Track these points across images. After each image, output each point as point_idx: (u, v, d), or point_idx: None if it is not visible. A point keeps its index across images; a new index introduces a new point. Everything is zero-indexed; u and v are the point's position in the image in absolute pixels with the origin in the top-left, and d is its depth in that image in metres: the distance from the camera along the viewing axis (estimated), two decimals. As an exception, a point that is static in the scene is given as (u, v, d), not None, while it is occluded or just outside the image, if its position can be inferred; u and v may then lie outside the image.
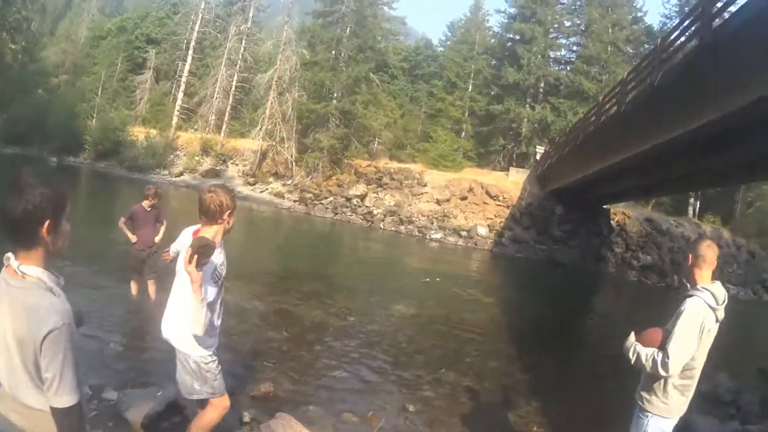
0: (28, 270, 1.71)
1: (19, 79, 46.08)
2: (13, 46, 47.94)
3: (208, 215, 3.16)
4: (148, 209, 7.42)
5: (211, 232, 3.16)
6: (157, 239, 7.52)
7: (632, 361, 3.22)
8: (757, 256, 36.43)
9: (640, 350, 3.18)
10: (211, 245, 2.97)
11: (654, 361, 3.09)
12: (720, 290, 3.19)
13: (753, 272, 35.05)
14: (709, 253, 3.27)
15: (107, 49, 54.54)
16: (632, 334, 3.32)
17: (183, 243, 3.31)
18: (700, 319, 3.09)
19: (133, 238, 7.41)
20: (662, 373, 3.06)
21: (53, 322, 1.64)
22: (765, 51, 8.02)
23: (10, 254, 1.74)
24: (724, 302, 3.16)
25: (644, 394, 3.29)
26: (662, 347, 3.11)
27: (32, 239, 1.70)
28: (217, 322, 3.26)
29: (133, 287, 7.66)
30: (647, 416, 3.25)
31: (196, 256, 2.84)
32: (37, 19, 52.52)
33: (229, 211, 3.19)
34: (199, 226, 3.28)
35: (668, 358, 3.03)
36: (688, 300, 3.15)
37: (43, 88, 47.78)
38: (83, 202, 20.80)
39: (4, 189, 1.68)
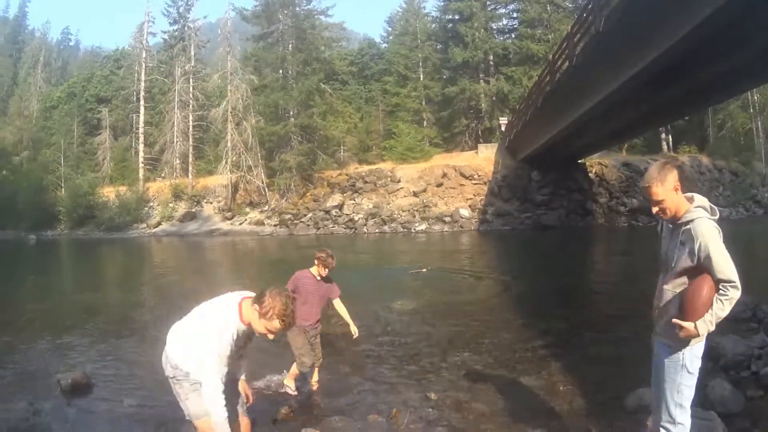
0: None
1: (-23, 161, 45.70)
2: (-34, 129, 47.74)
3: None
4: (318, 278, 5.77)
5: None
6: None
7: (713, 327, 2.84)
8: (740, 174, 36.99)
9: (712, 313, 2.80)
10: None
11: (728, 299, 2.79)
12: (707, 200, 3.00)
13: (740, 191, 35.62)
14: (680, 172, 3.05)
15: (61, 117, 54.40)
16: (676, 321, 2.86)
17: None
18: (718, 231, 2.86)
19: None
20: (737, 297, 2.78)
21: None
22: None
23: None
24: (717, 214, 2.96)
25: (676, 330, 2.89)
26: (716, 282, 2.80)
27: None
28: None
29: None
30: (681, 350, 2.97)
31: None
32: (-13, 101, 52.44)
33: None
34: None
35: (732, 282, 2.77)
36: (698, 223, 2.87)
37: (6, 168, 47.60)
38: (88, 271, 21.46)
39: None
